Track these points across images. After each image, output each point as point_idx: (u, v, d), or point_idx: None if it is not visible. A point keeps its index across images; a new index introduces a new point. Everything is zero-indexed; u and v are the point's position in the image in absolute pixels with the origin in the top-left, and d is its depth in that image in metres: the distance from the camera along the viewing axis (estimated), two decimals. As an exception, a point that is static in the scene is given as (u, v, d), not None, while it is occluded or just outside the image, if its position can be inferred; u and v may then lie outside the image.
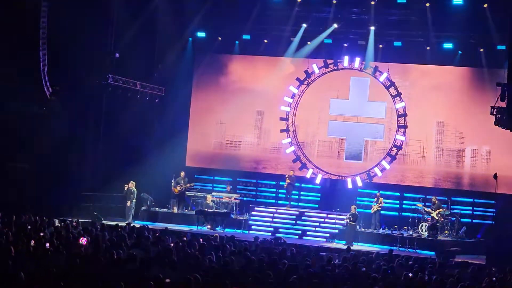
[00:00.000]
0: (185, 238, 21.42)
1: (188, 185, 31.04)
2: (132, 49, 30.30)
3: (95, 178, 30.21)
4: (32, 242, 17.40)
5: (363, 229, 28.88)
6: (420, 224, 28.56)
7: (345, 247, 24.16)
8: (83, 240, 17.84)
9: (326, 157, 32.51)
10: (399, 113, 30.80)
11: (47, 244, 17.17)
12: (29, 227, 20.43)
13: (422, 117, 31.19)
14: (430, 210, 28.37)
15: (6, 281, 12.47)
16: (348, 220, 27.73)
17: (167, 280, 13.32)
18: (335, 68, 31.65)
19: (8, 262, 13.89)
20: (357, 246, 26.41)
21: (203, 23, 32.71)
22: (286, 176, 30.87)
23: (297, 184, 31.80)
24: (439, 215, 28.18)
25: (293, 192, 31.46)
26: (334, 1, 30.60)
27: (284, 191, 31.36)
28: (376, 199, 29.38)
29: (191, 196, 31.52)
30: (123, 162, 30.59)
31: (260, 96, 32.69)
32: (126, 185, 29.20)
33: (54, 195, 27.69)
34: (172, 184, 30.99)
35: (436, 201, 28.68)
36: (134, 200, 29.35)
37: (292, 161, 31.93)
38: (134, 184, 29.31)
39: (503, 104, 24.77)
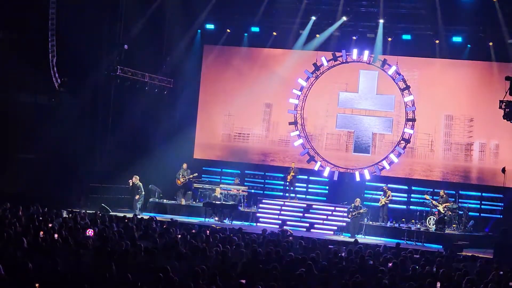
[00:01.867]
0: (193, 231, 21.47)
1: (191, 176, 31.04)
2: (140, 41, 30.34)
3: (103, 170, 30.26)
4: (41, 233, 17.46)
5: (370, 222, 28.88)
6: (428, 218, 28.52)
7: (352, 239, 24.18)
8: (90, 232, 17.89)
9: (334, 150, 32.48)
10: (408, 107, 30.73)
11: (55, 235, 17.23)
12: (40, 218, 20.48)
13: (430, 110, 31.13)
14: (437, 203, 28.36)
15: (15, 272, 12.52)
16: (356, 213, 27.77)
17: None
18: (344, 61, 31.59)
19: (16, 253, 13.95)
20: (365, 239, 26.40)
21: (212, 15, 32.68)
22: (291, 168, 30.80)
23: (305, 177, 31.86)
24: (446, 208, 28.16)
25: (299, 184, 31.49)
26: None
27: (288, 183, 31.34)
28: (384, 192, 29.38)
29: (199, 188, 31.56)
30: (131, 154, 30.68)
31: (269, 89, 32.64)
32: (131, 180, 29.22)
33: (62, 186, 27.77)
34: (180, 175, 31.02)
35: (444, 195, 28.67)
36: (143, 193, 29.39)
37: (300, 154, 31.91)
38: (138, 178, 29.33)
39: (512, 98, 24.76)
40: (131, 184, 29.19)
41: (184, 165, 31.22)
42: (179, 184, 31.03)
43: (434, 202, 28.47)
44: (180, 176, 30.91)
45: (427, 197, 28.82)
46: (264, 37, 32.94)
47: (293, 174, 30.68)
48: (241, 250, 17.17)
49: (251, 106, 33.16)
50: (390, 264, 17.06)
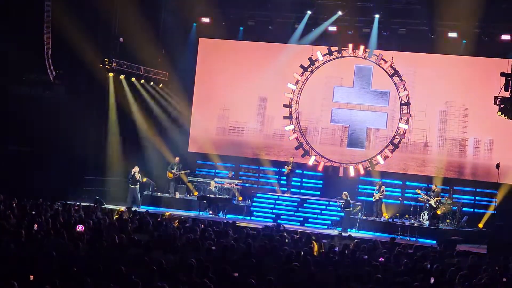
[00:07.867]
0: (187, 224, 21.49)
1: (182, 172, 31.00)
2: (136, 34, 30.26)
3: (97, 162, 30.26)
4: (35, 226, 17.45)
5: (365, 217, 28.92)
6: (422, 213, 28.57)
7: (346, 234, 24.20)
8: (80, 228, 17.80)
9: (329, 144, 32.47)
10: (403, 102, 30.74)
11: (50, 228, 17.23)
12: (33, 212, 20.46)
13: (425, 106, 31.15)
14: (428, 197, 28.33)
15: (9, 265, 12.51)
16: (341, 206, 27.95)
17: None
18: (339, 55, 31.58)
19: (10, 245, 13.94)
20: (359, 234, 26.43)
21: (207, 9, 32.60)
22: (290, 162, 30.86)
23: (299, 171, 31.88)
24: (438, 202, 28.10)
25: (294, 179, 31.52)
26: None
27: (284, 177, 31.38)
28: (378, 187, 29.40)
29: (193, 182, 31.57)
30: (126, 147, 30.68)
31: (264, 83, 32.61)
32: (134, 169, 29.25)
33: (56, 178, 27.74)
34: (171, 168, 31.03)
35: (436, 189, 28.69)
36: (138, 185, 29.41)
37: (295, 148, 31.89)
38: (138, 169, 29.37)
39: (507, 94, 24.73)
40: (132, 173, 29.08)
41: (176, 159, 31.18)
42: (169, 177, 31.02)
43: (425, 196, 28.47)
44: (171, 169, 30.90)
45: (419, 191, 28.83)
46: (260, 31, 32.85)
47: (290, 168, 30.72)
48: (234, 243, 17.17)
49: (246, 100, 33.13)
50: (383, 259, 17.10)
